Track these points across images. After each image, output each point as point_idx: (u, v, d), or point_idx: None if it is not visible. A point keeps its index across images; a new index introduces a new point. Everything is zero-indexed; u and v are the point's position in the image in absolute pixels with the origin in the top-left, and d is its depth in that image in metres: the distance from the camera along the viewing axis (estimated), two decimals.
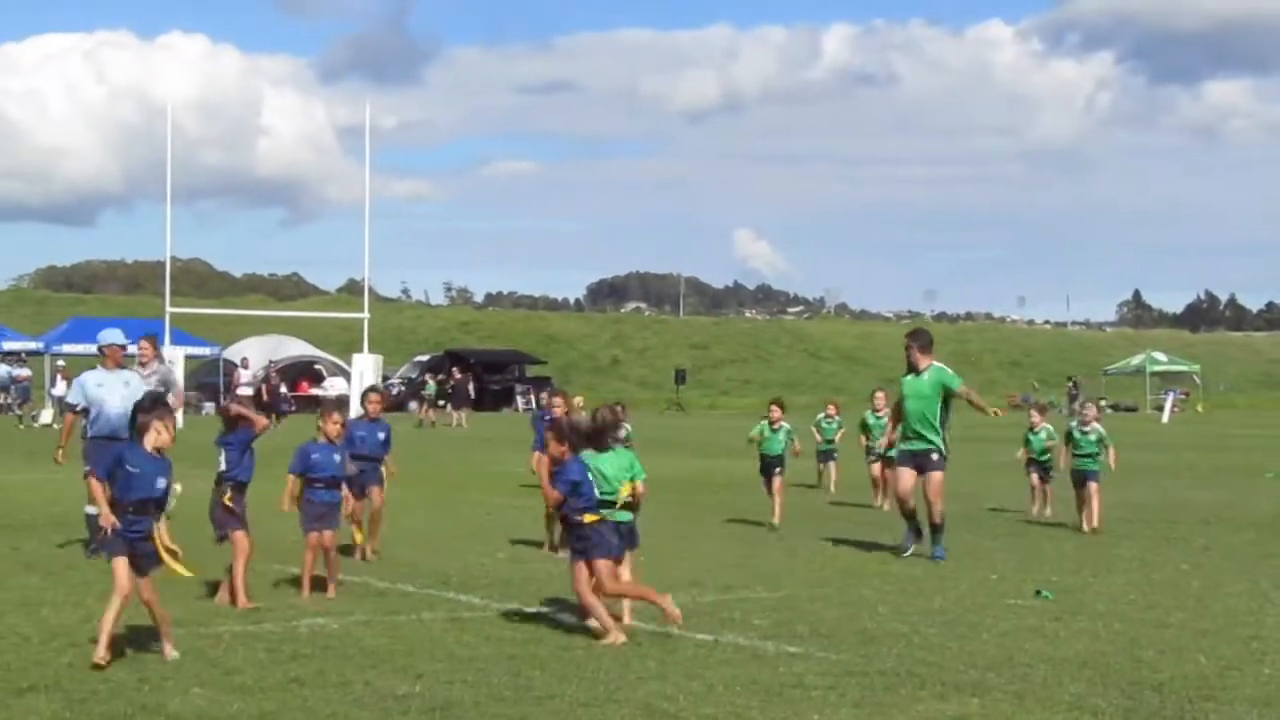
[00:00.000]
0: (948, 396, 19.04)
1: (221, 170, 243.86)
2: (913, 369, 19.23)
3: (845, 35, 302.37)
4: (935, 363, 19.26)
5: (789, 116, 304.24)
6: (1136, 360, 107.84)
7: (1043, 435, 24.65)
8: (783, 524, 21.74)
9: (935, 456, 18.81)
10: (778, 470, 22.47)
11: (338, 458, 15.75)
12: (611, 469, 13.43)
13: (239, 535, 14.68)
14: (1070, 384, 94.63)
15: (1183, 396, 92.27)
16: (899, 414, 19.39)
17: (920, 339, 19.59)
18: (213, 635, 12.87)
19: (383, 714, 10.16)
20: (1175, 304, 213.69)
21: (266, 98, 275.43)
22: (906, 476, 18.94)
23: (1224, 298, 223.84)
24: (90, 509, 16.73)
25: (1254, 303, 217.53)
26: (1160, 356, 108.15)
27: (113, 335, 19.03)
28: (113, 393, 17.90)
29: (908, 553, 18.62)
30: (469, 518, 23.25)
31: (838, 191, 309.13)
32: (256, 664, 11.77)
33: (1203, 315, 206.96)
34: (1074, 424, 23.36)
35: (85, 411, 18.24)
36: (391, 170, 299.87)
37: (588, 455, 13.47)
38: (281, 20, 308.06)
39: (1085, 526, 21.99)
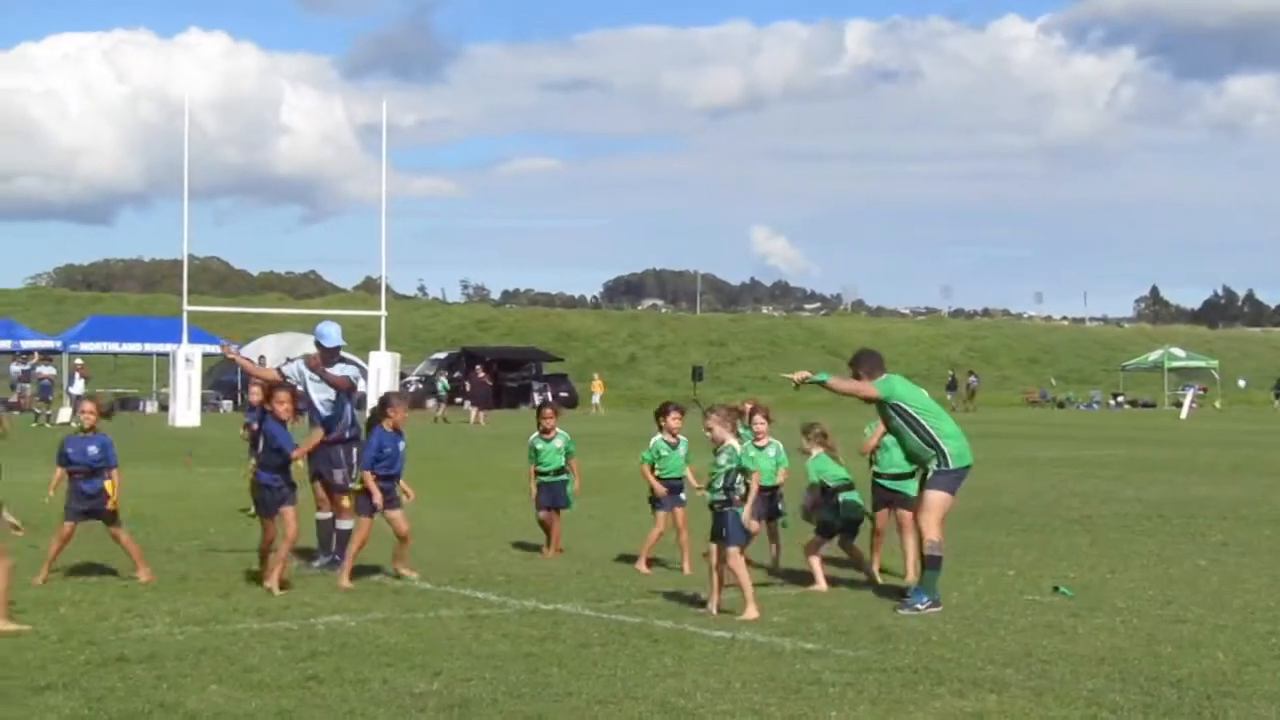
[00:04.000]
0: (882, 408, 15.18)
1: (241, 168, 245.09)
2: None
3: (864, 32, 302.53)
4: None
5: (810, 113, 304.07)
6: (1154, 356, 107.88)
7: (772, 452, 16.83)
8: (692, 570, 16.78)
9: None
10: (683, 497, 17.53)
11: (402, 446, 16.43)
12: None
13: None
14: (953, 376, 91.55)
15: (1201, 392, 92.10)
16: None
17: (866, 364, 15.47)
18: (231, 632, 12.91)
19: (400, 711, 10.17)
20: (1193, 300, 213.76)
21: (287, 96, 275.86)
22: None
23: (1242, 293, 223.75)
24: (321, 514, 17.33)
25: (1272, 298, 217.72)
26: (1178, 352, 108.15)
27: (332, 335, 17.88)
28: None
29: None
30: (486, 515, 23.29)
31: (855, 188, 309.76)
32: (274, 661, 11.80)
33: (1221, 311, 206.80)
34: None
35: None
36: (412, 168, 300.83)
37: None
38: (303, 18, 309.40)
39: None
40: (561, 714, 10.12)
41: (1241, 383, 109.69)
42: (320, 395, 17.38)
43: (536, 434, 18.93)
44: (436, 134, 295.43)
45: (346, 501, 16.45)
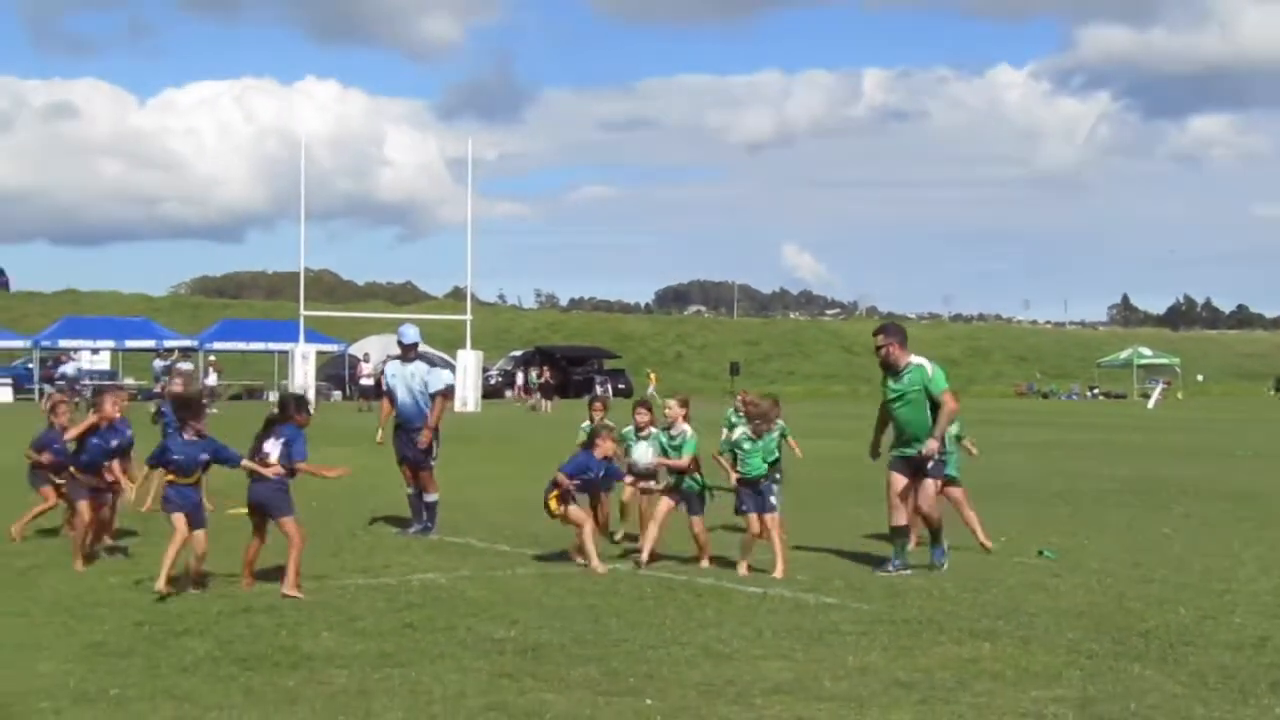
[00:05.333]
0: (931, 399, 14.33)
1: (349, 194, 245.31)
2: (890, 369, 14.49)
3: (879, 78, 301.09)
4: (920, 359, 14.54)
5: (832, 148, 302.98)
6: (1125, 355, 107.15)
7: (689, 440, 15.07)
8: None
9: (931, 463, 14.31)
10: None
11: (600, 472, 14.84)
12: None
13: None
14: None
15: (1166, 386, 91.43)
16: (885, 420, 14.79)
17: (898, 334, 14.73)
18: (339, 587, 12.96)
19: (483, 654, 10.19)
20: (1159, 306, 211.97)
21: (388, 134, 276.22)
22: (899, 482, 14.34)
23: (1201, 301, 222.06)
24: (410, 491, 17.31)
25: (1226, 305, 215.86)
26: (1146, 351, 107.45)
27: (410, 334, 17.96)
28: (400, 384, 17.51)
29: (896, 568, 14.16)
30: None
31: (871, 211, 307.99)
32: (376, 612, 11.83)
33: (1182, 316, 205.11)
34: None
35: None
36: (494, 195, 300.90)
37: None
38: (403, 69, 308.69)
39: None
40: (619, 658, 10.11)
41: (1200, 377, 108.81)
42: (403, 391, 17.40)
43: (587, 423, 17.09)
44: (515, 166, 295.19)
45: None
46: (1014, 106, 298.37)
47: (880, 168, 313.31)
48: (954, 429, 15.62)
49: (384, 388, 18.00)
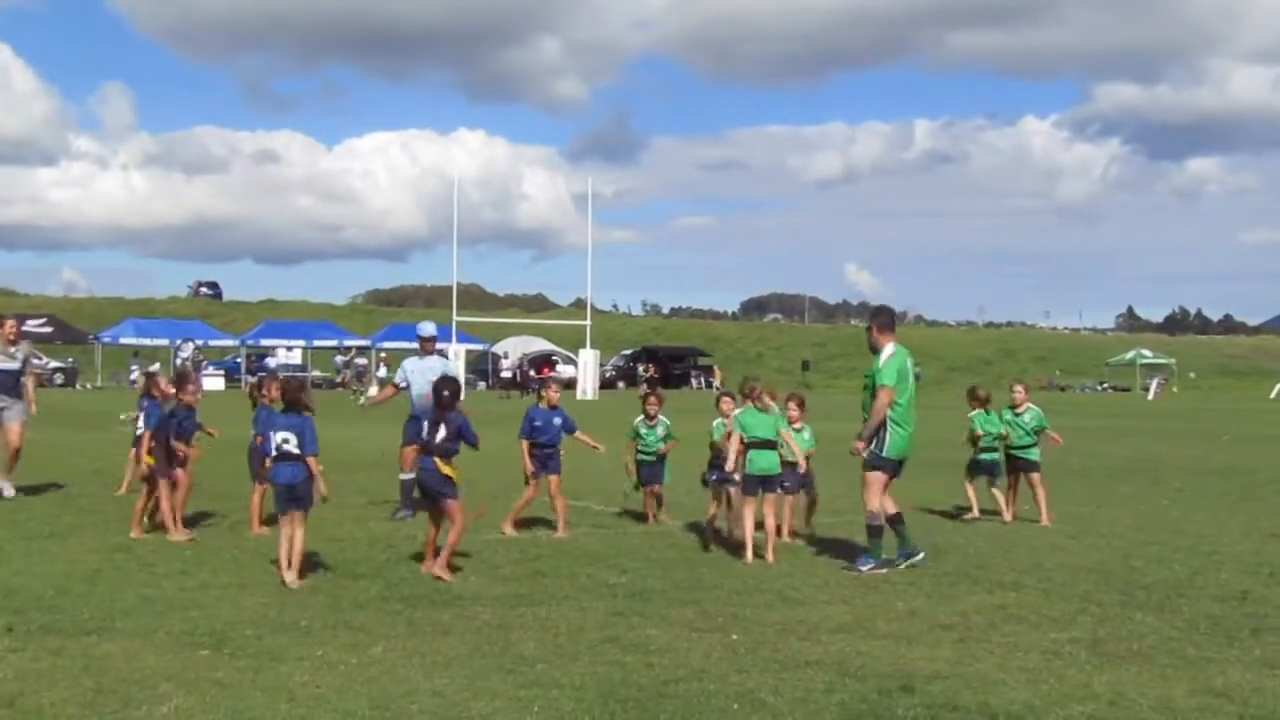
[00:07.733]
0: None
1: (493, 223, 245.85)
2: (872, 351, 11.76)
3: (928, 128, 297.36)
4: (890, 346, 11.64)
5: (889, 185, 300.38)
6: (1129, 355, 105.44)
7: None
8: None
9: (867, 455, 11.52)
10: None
11: (557, 421, 13.73)
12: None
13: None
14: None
15: (1163, 381, 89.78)
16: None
17: (879, 317, 11.96)
18: (482, 541, 13.03)
19: (599, 597, 10.21)
20: (1158, 315, 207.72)
21: (525, 174, 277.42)
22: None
23: (1193, 311, 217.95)
24: (405, 476, 14.62)
25: (1215, 315, 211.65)
26: (1147, 352, 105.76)
27: (426, 329, 15.96)
28: (419, 376, 15.07)
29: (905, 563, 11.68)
30: None
31: (919, 236, 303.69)
32: (512, 561, 11.90)
33: (1178, 323, 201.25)
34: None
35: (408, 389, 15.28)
36: (610, 223, 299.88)
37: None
38: (538, 121, 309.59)
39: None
40: (710, 601, 10.11)
41: (1192, 375, 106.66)
42: (422, 383, 14.72)
43: (640, 418, 14.95)
44: (627, 200, 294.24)
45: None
46: (1039, 150, 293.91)
47: (928, 201, 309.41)
48: (1033, 421, 15.56)
49: (398, 378, 15.46)
